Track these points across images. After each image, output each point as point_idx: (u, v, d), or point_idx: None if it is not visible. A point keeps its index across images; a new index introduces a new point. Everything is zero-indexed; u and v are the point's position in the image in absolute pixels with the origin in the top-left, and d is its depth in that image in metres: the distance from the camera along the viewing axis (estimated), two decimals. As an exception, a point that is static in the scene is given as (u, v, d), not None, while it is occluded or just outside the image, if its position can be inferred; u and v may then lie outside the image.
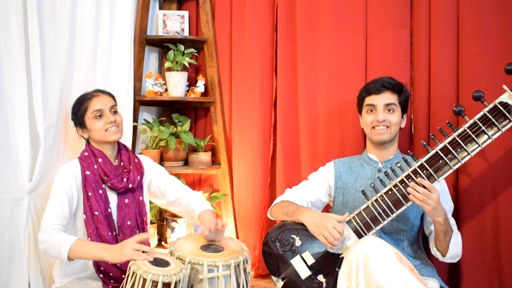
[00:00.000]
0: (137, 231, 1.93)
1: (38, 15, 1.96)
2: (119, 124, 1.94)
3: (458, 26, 2.01)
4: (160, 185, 2.06)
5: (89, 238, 1.80)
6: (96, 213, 1.82)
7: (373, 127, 1.86)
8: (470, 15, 1.96)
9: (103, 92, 1.98)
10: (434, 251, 1.78)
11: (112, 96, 2.00)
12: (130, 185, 1.91)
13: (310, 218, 1.76)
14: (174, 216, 2.74)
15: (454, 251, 1.72)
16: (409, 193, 1.63)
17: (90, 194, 1.83)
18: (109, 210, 1.86)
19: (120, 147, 2.01)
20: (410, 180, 1.64)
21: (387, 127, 1.84)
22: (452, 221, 1.80)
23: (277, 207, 1.97)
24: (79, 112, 1.92)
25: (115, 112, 1.95)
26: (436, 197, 1.60)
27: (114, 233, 1.86)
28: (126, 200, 1.92)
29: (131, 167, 1.96)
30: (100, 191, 1.85)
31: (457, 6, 2.01)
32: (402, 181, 1.66)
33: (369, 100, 1.88)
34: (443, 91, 2.04)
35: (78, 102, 1.94)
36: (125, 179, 1.91)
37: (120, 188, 1.89)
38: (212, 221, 1.84)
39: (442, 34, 2.03)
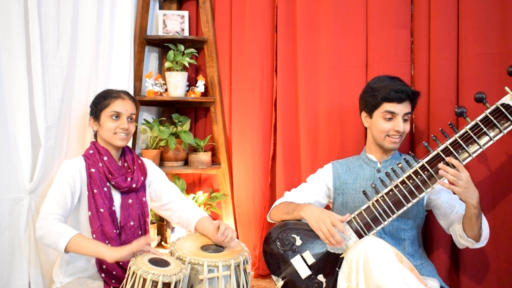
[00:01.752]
0: (140, 232, 1.93)
1: (39, 15, 1.96)
2: (129, 133, 1.94)
3: (458, 27, 2.01)
4: (157, 187, 2.06)
5: (93, 235, 1.80)
6: (102, 210, 1.82)
7: (388, 135, 1.82)
8: (470, 16, 1.96)
9: (130, 97, 1.98)
10: (465, 239, 1.69)
11: (136, 105, 2.01)
12: (134, 185, 1.91)
13: (310, 213, 1.76)
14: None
15: (486, 232, 1.68)
16: (439, 175, 1.58)
17: (95, 191, 1.83)
18: (113, 208, 1.86)
19: (125, 148, 2.02)
20: (411, 180, 1.64)
21: (401, 135, 1.82)
22: None
23: (276, 209, 1.97)
24: (99, 104, 1.93)
25: (131, 120, 1.96)
26: (465, 177, 1.56)
27: (118, 231, 1.87)
28: (130, 200, 1.92)
29: (135, 167, 1.97)
30: (105, 189, 1.86)
31: (457, 7, 2.01)
32: (403, 182, 1.65)
33: (389, 107, 1.79)
34: (443, 91, 2.04)
35: (103, 95, 1.95)
36: (129, 179, 1.91)
37: (124, 187, 1.89)
38: (225, 226, 1.83)
39: (442, 34, 2.03)
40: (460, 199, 1.62)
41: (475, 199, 1.58)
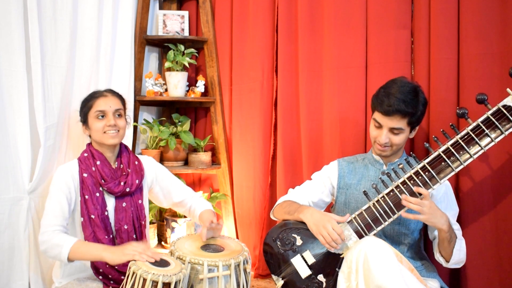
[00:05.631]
0: (134, 236, 1.90)
1: (39, 15, 1.97)
2: (120, 128, 1.89)
3: (459, 26, 2.01)
4: (164, 187, 2.04)
5: (86, 241, 1.79)
6: (93, 216, 1.80)
7: (376, 142, 1.81)
8: (470, 16, 1.96)
9: (113, 93, 1.94)
10: (437, 256, 1.76)
11: (122, 100, 1.96)
12: (128, 189, 1.88)
13: (310, 216, 1.76)
14: (174, 216, 2.75)
15: (458, 257, 1.70)
16: (403, 205, 1.62)
17: (87, 197, 1.81)
18: (106, 214, 1.84)
19: (122, 149, 1.97)
20: (411, 181, 1.64)
21: (389, 146, 1.78)
22: (457, 226, 1.77)
23: (279, 207, 1.97)
24: (84, 108, 1.91)
25: (120, 116, 1.91)
26: (428, 204, 1.58)
27: (111, 236, 1.85)
28: (124, 204, 1.88)
29: (129, 170, 1.92)
30: (97, 194, 1.83)
31: (457, 7, 2.01)
32: (404, 182, 1.65)
33: (377, 116, 1.77)
34: (443, 92, 2.04)
35: (86, 99, 1.93)
36: (122, 183, 1.87)
37: (116, 192, 1.86)
38: (209, 219, 1.86)
39: (442, 34, 2.02)
40: (429, 225, 1.68)
41: (444, 224, 1.61)
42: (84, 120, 1.91)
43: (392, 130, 1.75)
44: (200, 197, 2.09)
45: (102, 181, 1.85)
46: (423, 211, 1.58)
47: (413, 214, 1.61)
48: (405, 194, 1.64)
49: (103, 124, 1.86)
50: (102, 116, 1.87)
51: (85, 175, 1.83)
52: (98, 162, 1.87)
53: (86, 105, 1.90)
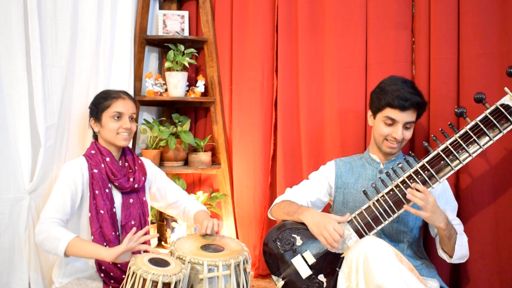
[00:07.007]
0: None
1: (39, 15, 1.97)
2: (131, 132, 1.96)
3: (459, 27, 2.01)
4: (161, 187, 2.09)
5: (92, 237, 1.80)
6: (102, 211, 1.82)
7: (386, 139, 1.80)
8: (470, 16, 1.96)
9: (130, 97, 2.00)
10: (440, 253, 1.75)
11: (136, 105, 2.02)
12: (136, 185, 1.93)
13: (311, 218, 1.76)
14: (174, 216, 2.75)
15: (460, 253, 1.70)
16: (408, 200, 1.62)
17: (97, 192, 1.83)
18: (114, 210, 1.87)
19: (125, 148, 2.02)
20: (411, 180, 1.64)
21: (400, 142, 1.79)
22: (457, 221, 1.77)
23: (277, 206, 1.97)
24: (100, 106, 1.93)
25: (132, 120, 1.97)
26: (432, 201, 1.58)
27: (117, 233, 1.87)
28: (131, 200, 1.93)
29: (136, 167, 1.98)
30: (107, 190, 1.86)
31: (457, 7, 2.01)
32: (403, 182, 1.66)
33: (391, 113, 1.75)
34: (443, 91, 2.04)
35: (103, 96, 1.96)
36: (131, 179, 1.92)
37: (126, 188, 1.90)
38: (209, 220, 1.87)
39: (442, 35, 2.03)
40: (429, 223, 1.69)
41: (442, 222, 1.62)
42: (98, 117, 1.93)
43: (405, 125, 1.77)
44: (194, 200, 2.14)
45: (113, 176, 1.88)
46: (426, 208, 1.58)
47: (415, 209, 1.61)
48: (405, 193, 1.64)
49: (118, 125, 1.91)
50: (118, 118, 1.92)
51: (95, 171, 1.86)
52: (107, 159, 1.91)
53: (103, 103, 1.93)
